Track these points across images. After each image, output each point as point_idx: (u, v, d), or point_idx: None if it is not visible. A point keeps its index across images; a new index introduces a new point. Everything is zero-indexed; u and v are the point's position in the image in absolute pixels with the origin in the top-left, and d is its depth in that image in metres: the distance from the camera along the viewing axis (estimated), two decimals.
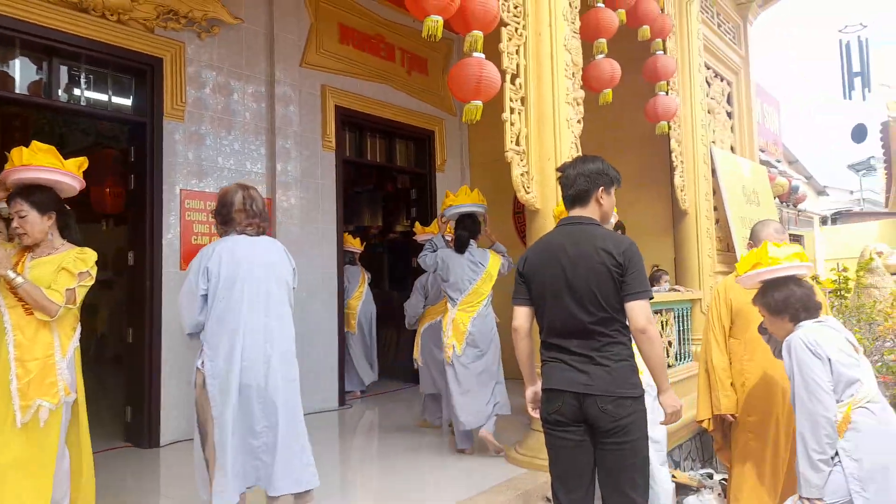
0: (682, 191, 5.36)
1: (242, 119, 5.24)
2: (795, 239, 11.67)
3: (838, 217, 19.67)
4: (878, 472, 2.30)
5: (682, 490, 3.80)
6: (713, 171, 5.86)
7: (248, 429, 2.63)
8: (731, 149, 6.74)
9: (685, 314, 5.22)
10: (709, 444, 4.63)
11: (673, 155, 5.33)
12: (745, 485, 3.26)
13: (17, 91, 4.29)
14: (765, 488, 3.19)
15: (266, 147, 5.38)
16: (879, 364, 4.72)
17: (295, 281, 2.88)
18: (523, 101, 3.73)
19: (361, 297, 6.53)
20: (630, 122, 5.70)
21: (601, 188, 2.39)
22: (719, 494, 3.85)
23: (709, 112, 6.13)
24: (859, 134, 14.25)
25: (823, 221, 18.47)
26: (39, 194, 2.58)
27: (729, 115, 6.85)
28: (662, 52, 5.08)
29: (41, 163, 2.56)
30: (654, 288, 5.48)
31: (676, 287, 5.31)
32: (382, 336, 8.36)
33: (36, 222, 2.57)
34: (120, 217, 6.79)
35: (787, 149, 15.96)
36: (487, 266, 4.29)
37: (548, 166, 3.69)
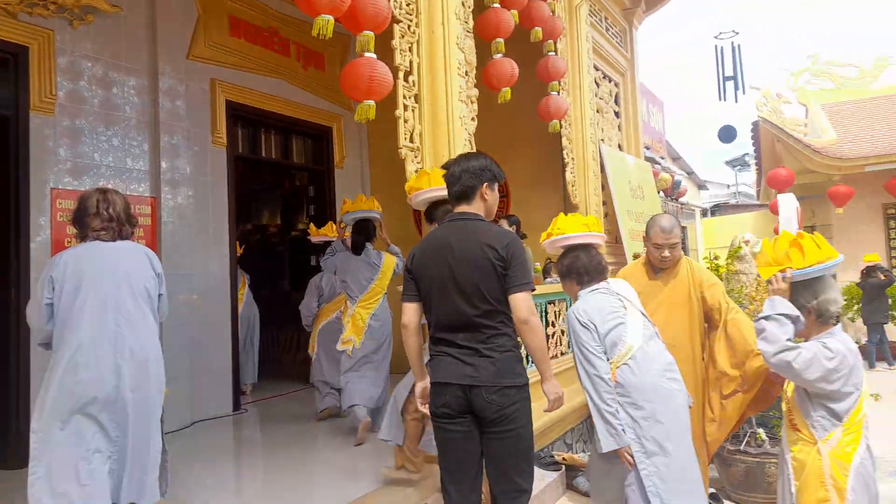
0: (573, 186, 5.59)
1: (123, 113, 4.92)
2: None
3: (717, 209, 21.31)
4: (648, 419, 2.58)
5: (571, 471, 4.00)
6: (602, 168, 6.15)
7: (93, 440, 2.47)
8: (619, 146, 7.10)
9: None
10: None
11: (564, 152, 5.55)
12: None
13: None
14: None
15: (150, 143, 5.08)
16: None
17: (161, 288, 2.74)
18: (417, 98, 3.74)
19: (242, 300, 6.31)
20: (525, 121, 5.86)
21: (485, 184, 2.45)
22: None
23: (598, 111, 6.42)
24: (726, 134, 15.40)
25: (704, 213, 19.93)
26: None
27: (616, 114, 7.21)
28: (554, 54, 5.27)
29: None
30: (548, 280, 5.71)
31: None
32: (281, 337, 8.17)
33: None
34: None
35: (670, 146, 17.03)
36: (382, 266, 4.75)
37: (442, 163, 3.73)
